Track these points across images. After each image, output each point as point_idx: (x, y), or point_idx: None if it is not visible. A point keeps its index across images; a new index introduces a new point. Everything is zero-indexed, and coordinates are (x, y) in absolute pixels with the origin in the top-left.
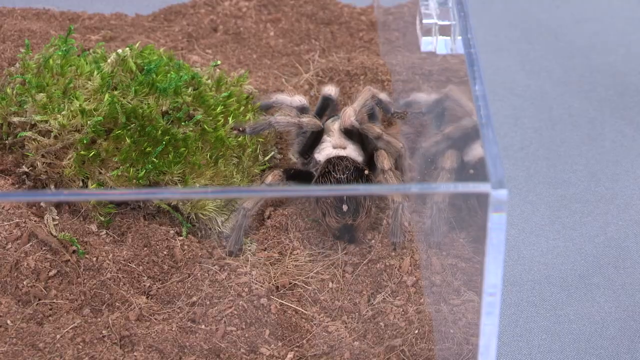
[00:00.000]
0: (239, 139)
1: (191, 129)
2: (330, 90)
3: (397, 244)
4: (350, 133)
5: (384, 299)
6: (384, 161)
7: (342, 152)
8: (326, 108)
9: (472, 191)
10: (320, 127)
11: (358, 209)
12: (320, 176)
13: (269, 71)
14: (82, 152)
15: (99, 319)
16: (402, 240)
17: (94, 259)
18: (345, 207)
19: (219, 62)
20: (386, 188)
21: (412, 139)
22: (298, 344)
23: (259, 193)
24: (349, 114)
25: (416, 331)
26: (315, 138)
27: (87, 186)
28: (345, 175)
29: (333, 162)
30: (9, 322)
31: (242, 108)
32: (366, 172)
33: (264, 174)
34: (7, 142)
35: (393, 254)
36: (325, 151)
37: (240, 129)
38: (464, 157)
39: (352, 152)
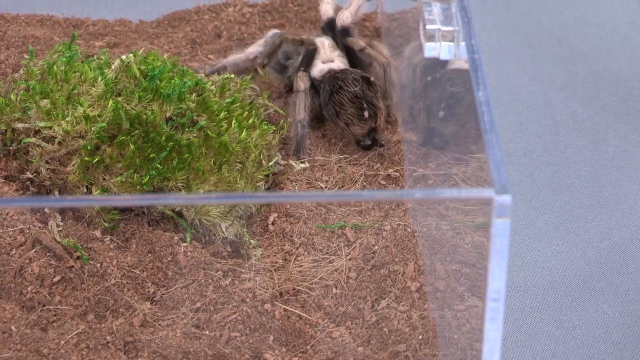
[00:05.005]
0: (243, 144)
1: (195, 134)
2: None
3: (392, 106)
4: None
5: (387, 304)
6: (359, 42)
7: (333, 65)
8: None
9: (475, 197)
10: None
11: (376, 112)
12: (334, 93)
13: (275, 79)
14: (86, 158)
15: (103, 325)
16: (396, 101)
17: (98, 264)
18: (366, 114)
19: (232, 76)
20: (389, 194)
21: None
22: (302, 350)
23: (264, 199)
24: (346, 16)
25: (420, 337)
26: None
27: (91, 192)
28: (358, 87)
29: (340, 77)
30: (13, 328)
31: (246, 114)
32: (372, 79)
33: (295, 81)
34: (11, 148)
35: (389, 127)
36: (317, 67)
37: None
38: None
39: (340, 63)
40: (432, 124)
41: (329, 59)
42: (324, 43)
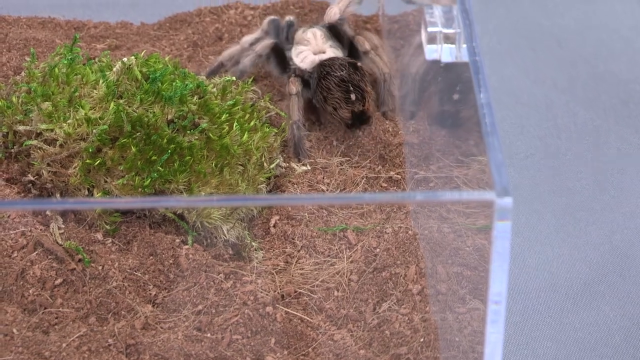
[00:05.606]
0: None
1: (196, 137)
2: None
3: (388, 112)
4: (332, 33)
5: (389, 307)
6: (365, 44)
7: (324, 57)
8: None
9: (477, 199)
10: (274, 42)
11: (363, 95)
12: (321, 79)
13: (274, 79)
14: (87, 161)
15: (105, 328)
16: (392, 108)
17: (100, 267)
18: (353, 96)
19: (233, 78)
20: (391, 196)
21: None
22: (304, 353)
23: (265, 201)
24: (334, 12)
25: (422, 339)
26: (281, 54)
27: (92, 195)
28: (345, 71)
29: (327, 64)
30: (14, 330)
31: (247, 116)
32: (359, 64)
33: (287, 85)
34: (12, 150)
35: (387, 123)
36: (308, 59)
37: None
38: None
39: (332, 54)
40: (445, 107)
41: (320, 50)
42: (316, 33)
